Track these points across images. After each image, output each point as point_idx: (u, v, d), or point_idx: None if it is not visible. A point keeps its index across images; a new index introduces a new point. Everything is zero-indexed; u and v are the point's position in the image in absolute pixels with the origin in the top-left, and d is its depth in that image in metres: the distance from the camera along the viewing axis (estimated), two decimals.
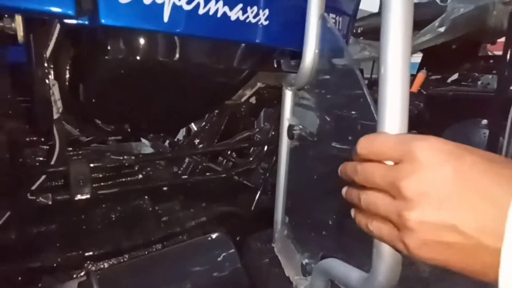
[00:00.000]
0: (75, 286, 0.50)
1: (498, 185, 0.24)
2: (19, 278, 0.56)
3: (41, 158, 0.63)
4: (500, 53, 1.22)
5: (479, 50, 1.82)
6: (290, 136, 0.73)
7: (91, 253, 0.62)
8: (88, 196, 0.59)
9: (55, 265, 0.58)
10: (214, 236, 0.63)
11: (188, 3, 0.49)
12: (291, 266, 0.72)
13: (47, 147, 0.62)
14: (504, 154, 0.92)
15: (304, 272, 0.65)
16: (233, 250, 0.59)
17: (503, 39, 1.35)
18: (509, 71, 1.13)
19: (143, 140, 0.90)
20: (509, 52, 1.13)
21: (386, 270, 0.39)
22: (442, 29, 1.44)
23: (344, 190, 0.36)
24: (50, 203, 0.57)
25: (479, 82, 1.69)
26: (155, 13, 0.47)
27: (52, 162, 0.61)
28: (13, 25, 0.48)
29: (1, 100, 0.55)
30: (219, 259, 0.58)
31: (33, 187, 0.60)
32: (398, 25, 0.35)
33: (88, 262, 0.61)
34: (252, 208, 0.96)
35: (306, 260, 0.66)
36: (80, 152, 0.67)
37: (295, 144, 0.77)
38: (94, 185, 0.60)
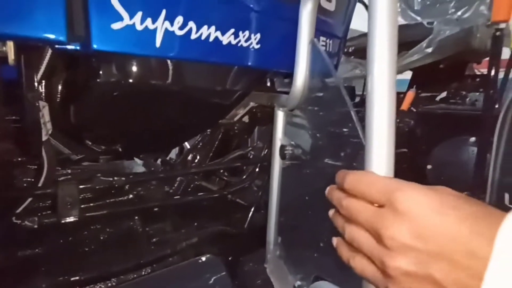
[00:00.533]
0: None
1: (477, 242, 0.24)
2: None
3: (28, 179, 0.62)
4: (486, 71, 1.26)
5: (466, 69, 1.88)
6: (282, 156, 0.74)
7: (77, 277, 0.60)
8: (76, 218, 0.58)
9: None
10: (204, 258, 0.62)
11: (181, 28, 0.50)
12: (282, 285, 0.71)
13: (35, 167, 0.61)
14: (491, 170, 0.93)
15: None
16: (224, 273, 0.58)
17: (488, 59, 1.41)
18: (494, 90, 1.17)
19: (134, 158, 0.89)
20: (493, 71, 1.16)
21: None
22: (429, 50, 1.48)
23: (330, 213, 0.37)
24: (35, 226, 0.55)
25: (467, 100, 1.73)
26: (147, 38, 0.47)
27: (40, 184, 0.60)
28: (4, 48, 0.48)
29: None
30: (210, 282, 0.57)
31: (18, 210, 0.59)
32: (383, 47, 0.36)
33: (76, 287, 0.59)
34: (245, 226, 0.95)
35: (299, 282, 0.66)
36: (69, 171, 0.66)
37: (287, 163, 0.78)
38: (82, 206, 0.59)
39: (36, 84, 0.50)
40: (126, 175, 0.71)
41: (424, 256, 0.26)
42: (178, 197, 0.84)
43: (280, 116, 0.74)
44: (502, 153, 0.96)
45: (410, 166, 1.51)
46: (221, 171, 0.92)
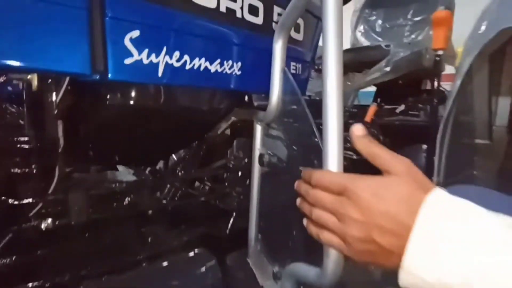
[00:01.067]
0: None
1: (404, 215, 0.36)
2: None
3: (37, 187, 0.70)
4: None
5: (421, 84, 2.12)
6: (261, 163, 0.86)
7: (84, 273, 0.68)
8: (85, 220, 0.67)
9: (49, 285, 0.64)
10: (196, 251, 0.73)
11: (178, 61, 0.62)
12: (264, 276, 0.83)
13: (43, 177, 0.70)
14: (435, 173, 1.11)
15: (275, 278, 0.76)
16: (214, 261, 0.68)
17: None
18: (437, 102, 1.37)
19: (121, 168, 0.98)
20: (435, 86, 1.37)
21: (332, 265, 0.51)
22: (388, 69, 1.68)
23: (298, 201, 0.49)
24: (50, 227, 0.64)
25: (422, 112, 1.96)
26: (152, 70, 0.59)
27: (50, 191, 0.68)
28: (29, 77, 0.58)
29: (5, 137, 0.64)
30: (202, 270, 0.68)
31: (31, 214, 0.68)
32: (332, 67, 0.49)
33: (83, 281, 0.67)
34: (228, 229, 1.06)
35: (277, 268, 0.78)
36: (72, 181, 0.75)
37: (265, 170, 0.90)
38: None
39: (55, 105, 0.60)
40: (125, 182, 0.81)
41: (369, 226, 0.38)
42: (165, 202, 0.94)
43: (258, 129, 0.87)
44: (444, 157, 1.14)
45: (374, 171, 1.69)
46: (205, 179, 1.03)
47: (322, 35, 0.51)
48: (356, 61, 1.82)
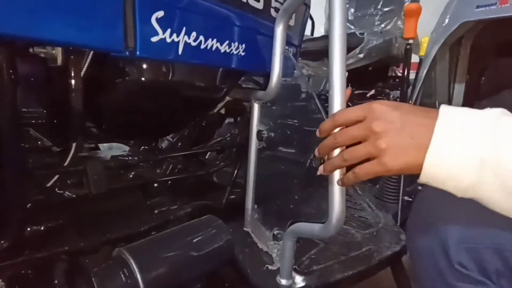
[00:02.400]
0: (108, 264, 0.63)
1: (421, 118, 0.42)
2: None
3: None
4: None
5: (389, 71, 2.31)
6: (260, 138, 0.95)
7: (105, 239, 0.73)
8: (103, 190, 0.72)
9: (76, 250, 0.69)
10: (204, 217, 0.80)
11: (194, 41, 0.68)
12: (264, 240, 0.93)
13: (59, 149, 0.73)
14: None
15: (275, 239, 0.86)
16: (221, 222, 0.77)
17: None
18: (407, 87, 1.53)
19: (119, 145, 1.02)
20: (405, 74, 1.53)
21: (336, 217, 0.62)
22: (361, 55, 1.82)
23: (322, 168, 0.54)
24: (74, 196, 0.68)
25: (391, 96, 2.14)
26: (173, 48, 0.64)
27: (66, 163, 0.72)
28: (54, 51, 0.61)
29: (29, 110, 0.66)
30: (214, 231, 0.76)
31: (49, 184, 0.71)
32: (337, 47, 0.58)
33: (106, 245, 0.73)
34: (223, 202, 1.14)
35: (277, 230, 0.88)
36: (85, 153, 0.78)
37: (262, 145, 0.99)
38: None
39: (80, 80, 0.63)
40: (136, 155, 0.85)
41: (395, 131, 0.42)
42: (168, 176, 1.00)
43: (256, 107, 0.95)
44: None
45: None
46: (204, 155, 1.10)
47: (328, 19, 0.60)
48: None
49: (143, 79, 0.70)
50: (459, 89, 1.59)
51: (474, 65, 1.49)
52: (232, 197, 1.14)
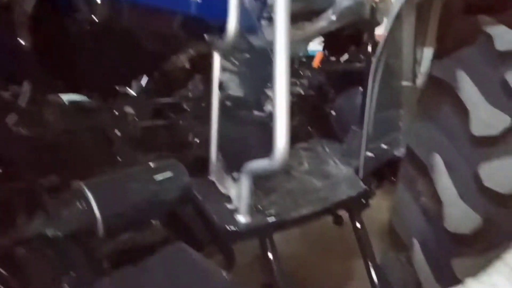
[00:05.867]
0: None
1: None
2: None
3: None
4: None
5: (363, 36, 2.33)
6: (221, 88, 0.97)
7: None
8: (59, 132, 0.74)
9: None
10: (168, 160, 0.84)
11: None
12: (225, 184, 0.98)
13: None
14: (367, 114, 1.32)
15: (234, 180, 0.92)
16: (181, 164, 0.81)
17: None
18: (372, 51, 1.57)
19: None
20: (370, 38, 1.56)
21: (281, 148, 0.67)
22: (334, 17, 1.83)
23: None
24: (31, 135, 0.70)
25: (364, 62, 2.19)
26: None
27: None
28: None
29: None
30: (173, 173, 0.80)
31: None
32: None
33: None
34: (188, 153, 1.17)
35: (236, 174, 0.93)
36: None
37: (223, 96, 1.02)
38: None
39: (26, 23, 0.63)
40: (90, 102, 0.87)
41: None
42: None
43: (217, 57, 0.97)
44: (374, 97, 1.36)
45: (319, 112, 1.91)
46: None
47: None
48: (305, 10, 1.93)
49: (95, 19, 0.70)
50: (428, 53, 1.64)
51: (444, 28, 1.52)
52: (198, 150, 1.18)
